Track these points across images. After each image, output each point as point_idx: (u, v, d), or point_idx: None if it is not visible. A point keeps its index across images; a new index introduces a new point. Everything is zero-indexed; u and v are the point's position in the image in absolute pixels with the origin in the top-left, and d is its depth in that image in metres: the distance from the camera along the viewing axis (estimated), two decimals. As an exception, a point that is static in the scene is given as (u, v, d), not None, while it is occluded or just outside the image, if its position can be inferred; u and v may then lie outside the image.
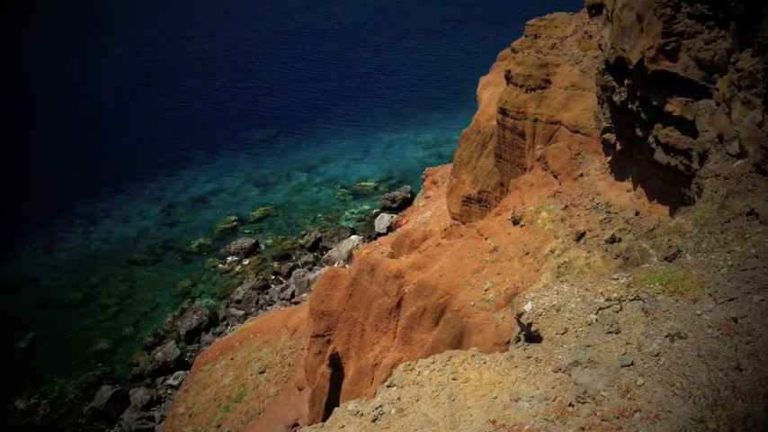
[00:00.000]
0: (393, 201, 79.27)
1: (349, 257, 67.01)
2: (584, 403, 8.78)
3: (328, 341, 42.01)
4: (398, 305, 37.15)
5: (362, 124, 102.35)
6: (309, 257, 71.43)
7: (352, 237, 73.16)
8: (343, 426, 10.23)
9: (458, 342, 32.13)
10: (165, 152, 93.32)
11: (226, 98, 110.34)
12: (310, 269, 68.85)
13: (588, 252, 29.96)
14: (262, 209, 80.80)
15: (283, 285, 67.22)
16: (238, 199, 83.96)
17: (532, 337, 11.85)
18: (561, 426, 8.51)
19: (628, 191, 31.34)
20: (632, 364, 9.26)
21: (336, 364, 40.84)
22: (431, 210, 66.93)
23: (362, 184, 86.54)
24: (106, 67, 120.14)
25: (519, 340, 12.57)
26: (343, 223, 77.93)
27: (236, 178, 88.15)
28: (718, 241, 14.04)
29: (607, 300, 11.59)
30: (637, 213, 29.56)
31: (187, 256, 72.92)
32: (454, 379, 10.87)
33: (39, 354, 59.91)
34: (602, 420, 8.21)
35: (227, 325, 62.17)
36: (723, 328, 9.40)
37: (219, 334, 60.24)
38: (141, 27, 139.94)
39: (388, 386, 11.05)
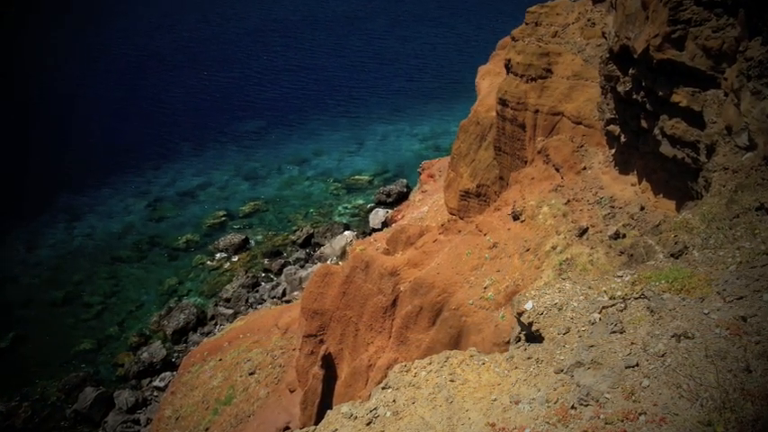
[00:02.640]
0: (388, 195, 79.32)
1: (342, 254, 67.02)
2: (586, 406, 8.76)
3: (321, 341, 42.00)
4: (394, 304, 37.15)
5: (356, 115, 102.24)
6: (301, 254, 71.44)
7: (346, 232, 73.18)
8: (336, 429, 10.20)
9: (456, 342, 32.14)
10: (151, 144, 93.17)
11: (215, 88, 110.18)
12: (302, 266, 68.85)
13: (591, 248, 29.97)
14: (251, 203, 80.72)
15: (274, 283, 67.21)
16: (227, 193, 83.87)
17: (533, 337, 11.84)
18: (563, 429, 8.49)
19: (632, 185, 31.36)
20: (637, 365, 9.24)
21: (329, 365, 40.84)
22: (428, 204, 66.94)
23: (356, 177, 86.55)
24: (89, 59, 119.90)
25: (519, 340, 12.56)
26: (337, 218, 77.96)
27: (225, 172, 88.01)
28: (726, 237, 14.03)
29: (611, 298, 11.58)
30: (642, 208, 29.58)
31: (174, 253, 72.79)
32: (452, 380, 10.84)
33: (19, 354, 59.83)
34: (606, 423, 8.19)
35: (216, 324, 62.15)
36: (732, 327, 9.38)
37: (208, 334, 60.23)
38: (127, 16, 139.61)
39: (383, 388, 11.01)
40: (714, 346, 9.08)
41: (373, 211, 76.83)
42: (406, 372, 11.18)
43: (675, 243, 15.05)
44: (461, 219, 46.82)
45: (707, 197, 18.95)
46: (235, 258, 70.90)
